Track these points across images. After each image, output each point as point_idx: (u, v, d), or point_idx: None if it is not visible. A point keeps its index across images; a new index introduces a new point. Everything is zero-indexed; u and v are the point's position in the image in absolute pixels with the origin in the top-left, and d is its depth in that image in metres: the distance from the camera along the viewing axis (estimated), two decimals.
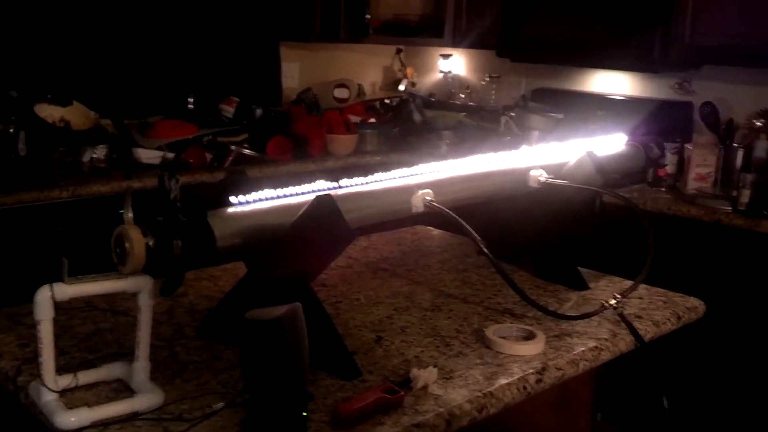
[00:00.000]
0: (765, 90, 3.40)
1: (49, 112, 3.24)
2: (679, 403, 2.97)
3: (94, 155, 3.23)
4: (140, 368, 1.32)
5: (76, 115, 3.35)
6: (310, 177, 1.51)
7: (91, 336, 1.56)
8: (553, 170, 1.92)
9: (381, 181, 1.60)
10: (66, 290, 1.22)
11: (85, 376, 1.35)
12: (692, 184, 3.35)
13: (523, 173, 1.89)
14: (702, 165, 3.36)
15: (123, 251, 1.24)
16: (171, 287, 1.27)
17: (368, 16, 4.31)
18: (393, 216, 1.64)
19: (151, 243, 1.25)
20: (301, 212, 1.39)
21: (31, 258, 2.76)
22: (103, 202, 3.01)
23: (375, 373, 1.43)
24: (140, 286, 1.29)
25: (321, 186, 1.46)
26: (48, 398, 1.26)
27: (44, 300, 1.21)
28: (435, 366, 1.41)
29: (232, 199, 1.38)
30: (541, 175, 1.89)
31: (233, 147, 3.61)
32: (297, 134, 3.87)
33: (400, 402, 1.29)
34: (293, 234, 1.38)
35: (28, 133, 3.03)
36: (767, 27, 3.14)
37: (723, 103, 3.49)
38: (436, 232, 2.44)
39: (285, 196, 1.43)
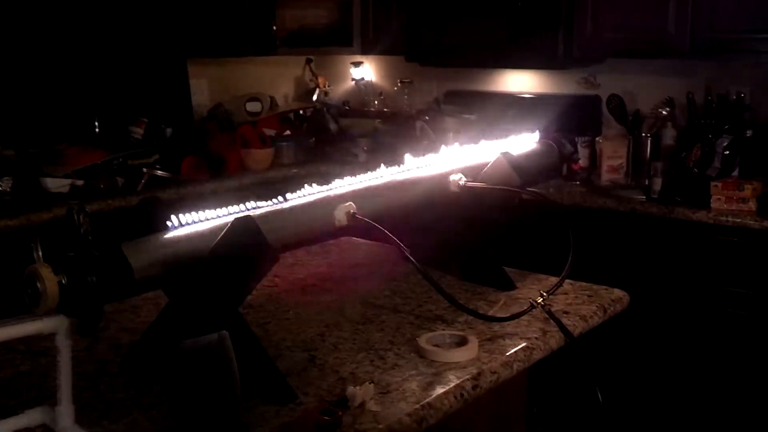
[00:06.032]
0: (668, 79, 3.51)
1: None
2: (612, 394, 3.04)
3: None
4: (64, 413, 1.26)
5: None
6: (228, 195, 1.47)
7: (11, 381, 1.48)
8: (472, 172, 1.93)
9: (302, 197, 1.58)
10: None
11: (7, 425, 1.27)
12: (605, 176, 3.44)
13: (443, 178, 1.89)
14: (613, 157, 3.44)
15: (35, 291, 1.18)
16: (89, 326, 1.21)
17: (275, 28, 4.28)
18: (317, 232, 1.62)
19: (63, 281, 1.19)
20: (220, 236, 1.35)
21: None
22: (10, 236, 2.88)
23: (310, 394, 1.39)
24: (56, 326, 1.23)
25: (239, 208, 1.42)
26: None
27: None
28: (371, 381, 1.39)
29: (151, 226, 1.33)
30: (461, 179, 1.89)
31: (145, 169, 3.52)
32: (211, 152, 3.80)
33: (338, 423, 1.27)
34: (214, 259, 1.34)
35: None
36: (664, 19, 3.25)
37: (629, 94, 3.59)
38: (361, 242, 2.42)
39: (204, 220, 1.39)
